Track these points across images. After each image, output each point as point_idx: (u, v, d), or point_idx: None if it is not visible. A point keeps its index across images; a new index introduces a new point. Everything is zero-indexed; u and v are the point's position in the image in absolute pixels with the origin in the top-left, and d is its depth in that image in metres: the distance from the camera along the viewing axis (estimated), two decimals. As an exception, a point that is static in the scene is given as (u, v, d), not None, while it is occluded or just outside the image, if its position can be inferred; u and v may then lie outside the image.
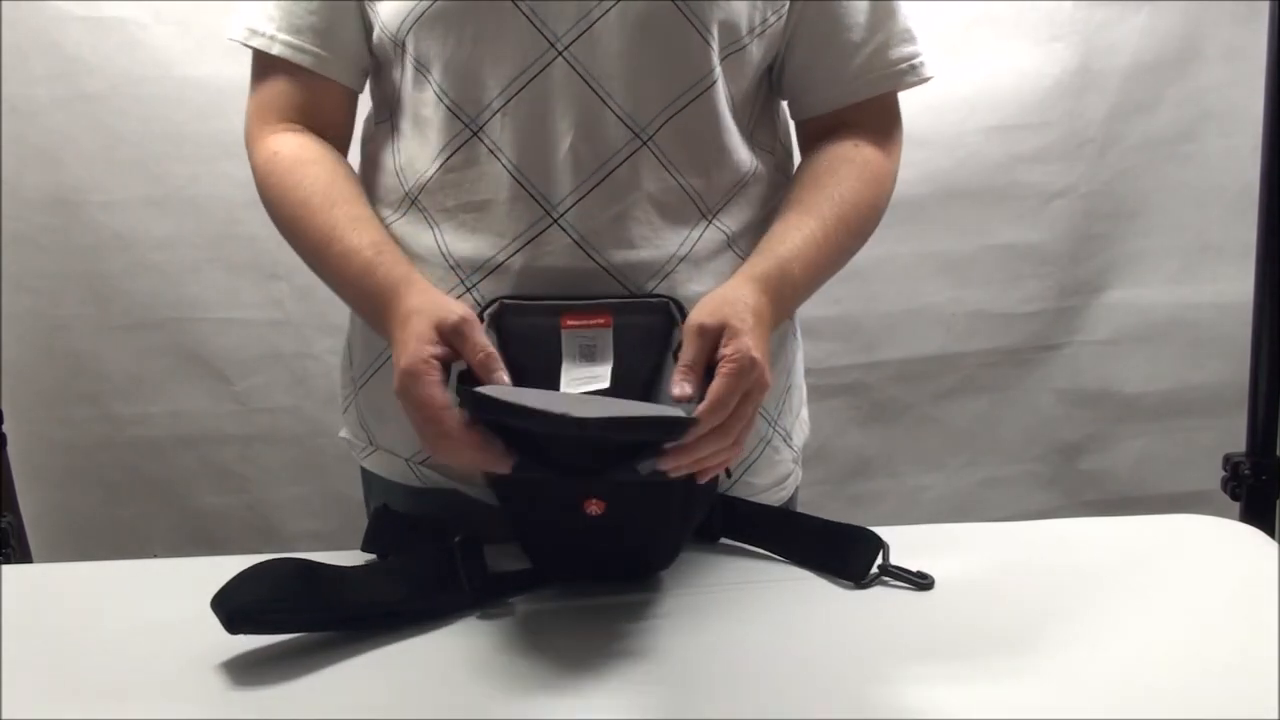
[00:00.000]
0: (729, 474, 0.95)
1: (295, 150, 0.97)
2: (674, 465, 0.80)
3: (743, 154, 0.98)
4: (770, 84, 1.02)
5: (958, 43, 1.73)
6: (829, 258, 0.95)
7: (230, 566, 0.84)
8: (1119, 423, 1.90)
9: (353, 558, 0.96)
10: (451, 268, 0.94)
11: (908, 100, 1.03)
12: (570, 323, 0.89)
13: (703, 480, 0.84)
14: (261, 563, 0.85)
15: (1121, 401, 1.89)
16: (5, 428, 1.56)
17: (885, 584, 0.93)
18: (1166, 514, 1.08)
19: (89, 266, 1.70)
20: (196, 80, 1.64)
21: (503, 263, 0.93)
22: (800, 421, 1.09)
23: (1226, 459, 1.40)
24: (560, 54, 0.90)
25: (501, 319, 0.91)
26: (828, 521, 0.98)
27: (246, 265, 1.72)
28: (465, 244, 0.94)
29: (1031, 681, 0.79)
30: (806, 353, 1.12)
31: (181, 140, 1.67)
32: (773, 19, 0.95)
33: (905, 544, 0.94)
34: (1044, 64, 1.76)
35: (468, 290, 0.93)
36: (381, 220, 0.97)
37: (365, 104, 1.05)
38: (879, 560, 0.93)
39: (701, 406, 0.80)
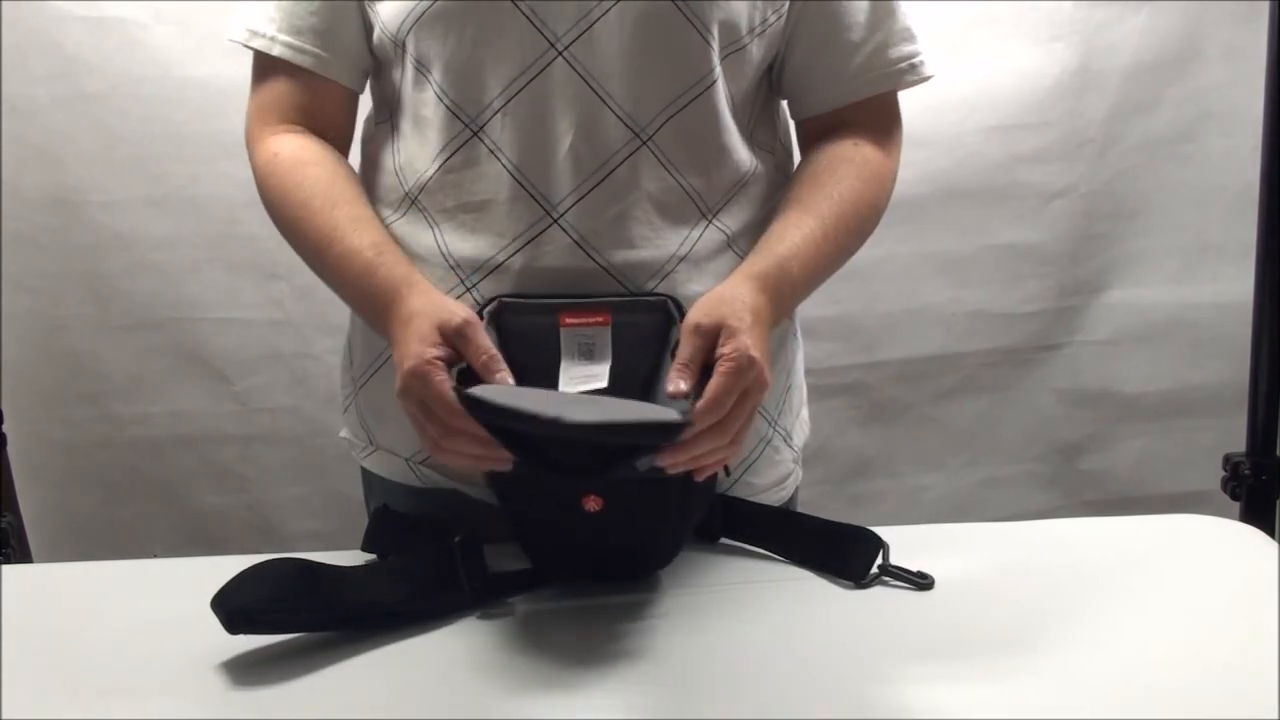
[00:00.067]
0: (727, 471, 0.95)
1: (296, 151, 0.97)
2: (671, 462, 0.80)
3: (743, 154, 0.98)
4: (770, 84, 1.02)
5: (957, 43, 1.73)
6: (828, 257, 0.95)
7: (230, 566, 0.84)
8: (1119, 423, 1.90)
9: (353, 558, 0.96)
10: (451, 268, 0.94)
11: (908, 100, 1.03)
12: (569, 321, 0.89)
13: (700, 478, 0.84)
14: (261, 563, 0.85)
15: (1121, 401, 1.89)
16: (5, 428, 1.56)
17: (885, 584, 0.93)
18: (1166, 514, 1.08)
19: (89, 266, 1.70)
20: (196, 80, 1.64)
21: (503, 263, 0.93)
22: (800, 421, 1.09)
23: (1226, 459, 1.40)
24: (560, 54, 0.90)
25: (501, 317, 0.91)
26: (828, 521, 0.98)
27: (246, 265, 1.72)
28: (465, 244, 0.94)
29: (1031, 681, 0.79)
30: (806, 353, 1.12)
31: (181, 140, 1.67)
32: (773, 19, 0.95)
33: (905, 544, 0.94)
34: (1044, 64, 1.76)
35: (468, 290, 0.93)
36: (382, 220, 0.97)
37: (365, 104, 1.05)
38: (879, 560, 0.93)
39: (698, 404, 0.80)
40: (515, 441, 0.80)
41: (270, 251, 1.66)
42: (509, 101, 0.91)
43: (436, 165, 0.95)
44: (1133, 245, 1.83)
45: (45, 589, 0.99)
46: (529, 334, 0.90)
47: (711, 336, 0.83)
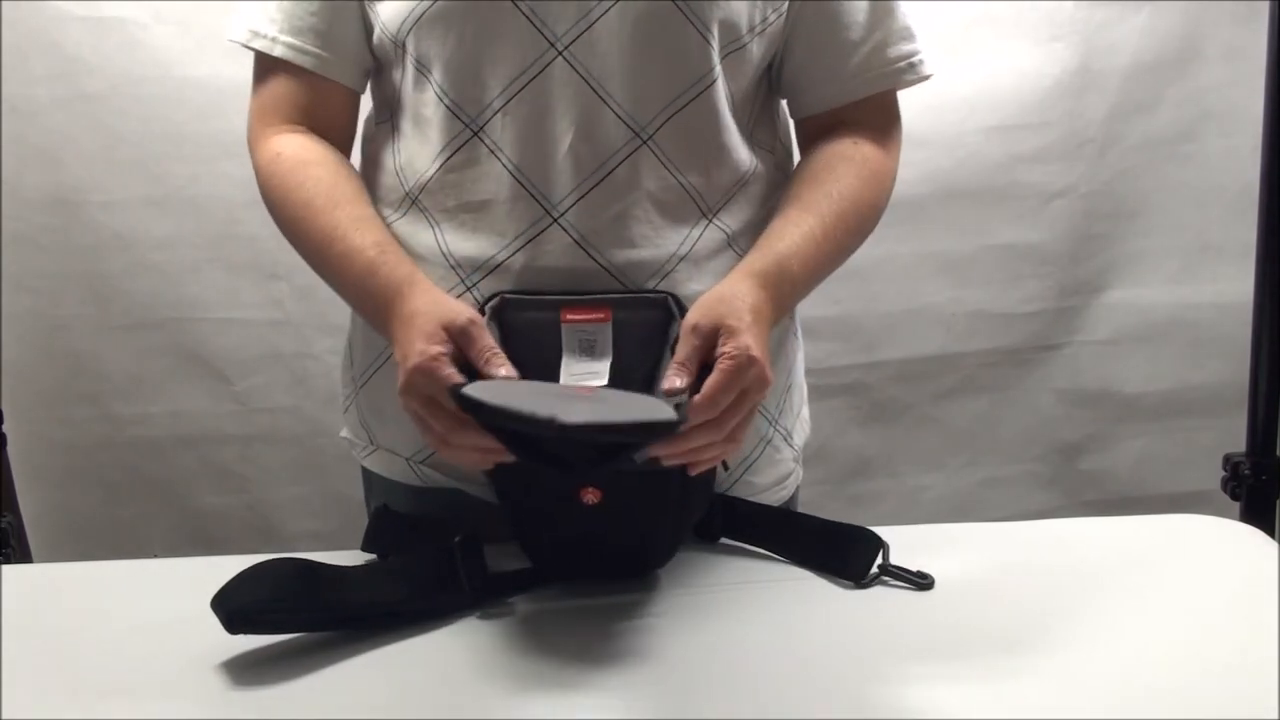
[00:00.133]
0: (726, 467, 0.95)
1: (297, 151, 0.97)
2: (666, 453, 0.81)
3: (743, 153, 0.98)
4: (770, 83, 1.02)
5: (957, 42, 1.73)
6: (828, 255, 0.95)
7: (230, 566, 0.84)
8: (1119, 423, 1.90)
9: (353, 558, 0.96)
10: (452, 267, 0.94)
11: (907, 100, 1.03)
12: (570, 317, 0.89)
13: (694, 471, 0.84)
14: (261, 563, 0.85)
15: (1121, 401, 1.89)
16: (5, 428, 1.56)
17: (885, 584, 0.93)
18: (1166, 514, 1.08)
19: (89, 266, 1.70)
20: (196, 80, 1.64)
21: (503, 262, 0.93)
22: (801, 421, 1.09)
23: (1226, 459, 1.40)
24: (560, 54, 0.90)
25: (502, 313, 0.91)
26: (828, 521, 0.98)
27: (246, 265, 1.72)
28: (466, 243, 0.94)
29: (1031, 681, 0.79)
30: (806, 353, 1.11)
31: (181, 140, 1.67)
32: (773, 18, 0.95)
33: (905, 544, 0.94)
34: (1044, 64, 1.76)
35: (468, 290, 0.93)
36: (383, 220, 0.97)
37: (366, 104, 1.05)
38: (879, 560, 0.93)
39: (694, 399, 0.80)
40: (513, 437, 0.80)
41: (270, 251, 1.67)
42: (509, 101, 0.91)
43: (437, 165, 0.95)
44: (1133, 245, 1.83)
45: (45, 589, 0.99)
46: (530, 330, 0.90)
47: (709, 336, 0.84)
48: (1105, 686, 0.78)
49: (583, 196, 0.91)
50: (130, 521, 1.80)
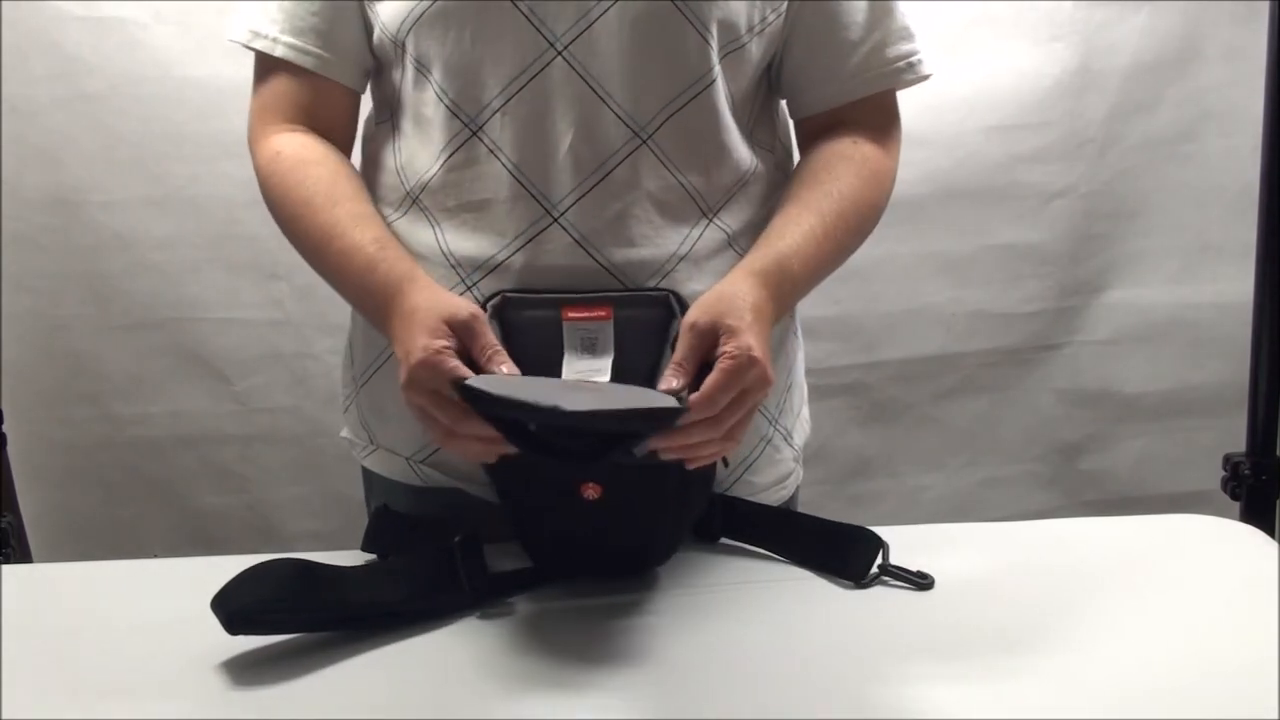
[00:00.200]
0: (725, 463, 0.95)
1: (297, 150, 0.97)
2: (664, 446, 0.81)
3: (742, 152, 0.98)
4: (770, 83, 1.02)
5: (957, 42, 1.73)
6: (829, 254, 0.95)
7: (230, 567, 0.84)
8: (1119, 423, 1.90)
9: (353, 558, 0.96)
10: (452, 266, 0.94)
11: (907, 100, 1.03)
12: (571, 315, 0.89)
13: (691, 466, 0.84)
14: (261, 563, 0.85)
15: (1121, 401, 1.89)
16: (5, 428, 1.56)
17: (885, 584, 0.93)
18: (1166, 514, 1.08)
19: (89, 266, 1.70)
20: (196, 80, 1.64)
21: (503, 261, 0.93)
22: (801, 420, 1.09)
23: (1226, 459, 1.40)
24: (559, 54, 0.90)
25: (504, 312, 0.91)
26: (827, 521, 0.98)
27: (246, 265, 1.72)
28: (466, 243, 0.94)
29: (1031, 681, 0.79)
30: (806, 353, 1.12)
31: (181, 140, 1.67)
32: (772, 18, 0.95)
33: (905, 544, 0.94)
34: (1044, 64, 1.76)
35: (469, 289, 0.93)
36: (383, 218, 0.97)
37: (366, 104, 1.05)
38: (879, 560, 0.93)
39: (693, 396, 0.80)
40: (515, 430, 0.81)
41: (270, 251, 1.67)
42: (508, 101, 0.91)
43: (437, 165, 0.95)
44: (1133, 245, 1.83)
45: (45, 589, 0.99)
46: (532, 328, 0.90)
47: (708, 334, 0.84)
48: (1105, 686, 0.78)
49: (583, 196, 0.91)
50: (130, 521, 1.80)
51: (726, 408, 0.82)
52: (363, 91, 1.03)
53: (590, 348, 0.89)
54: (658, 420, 0.78)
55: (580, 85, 0.90)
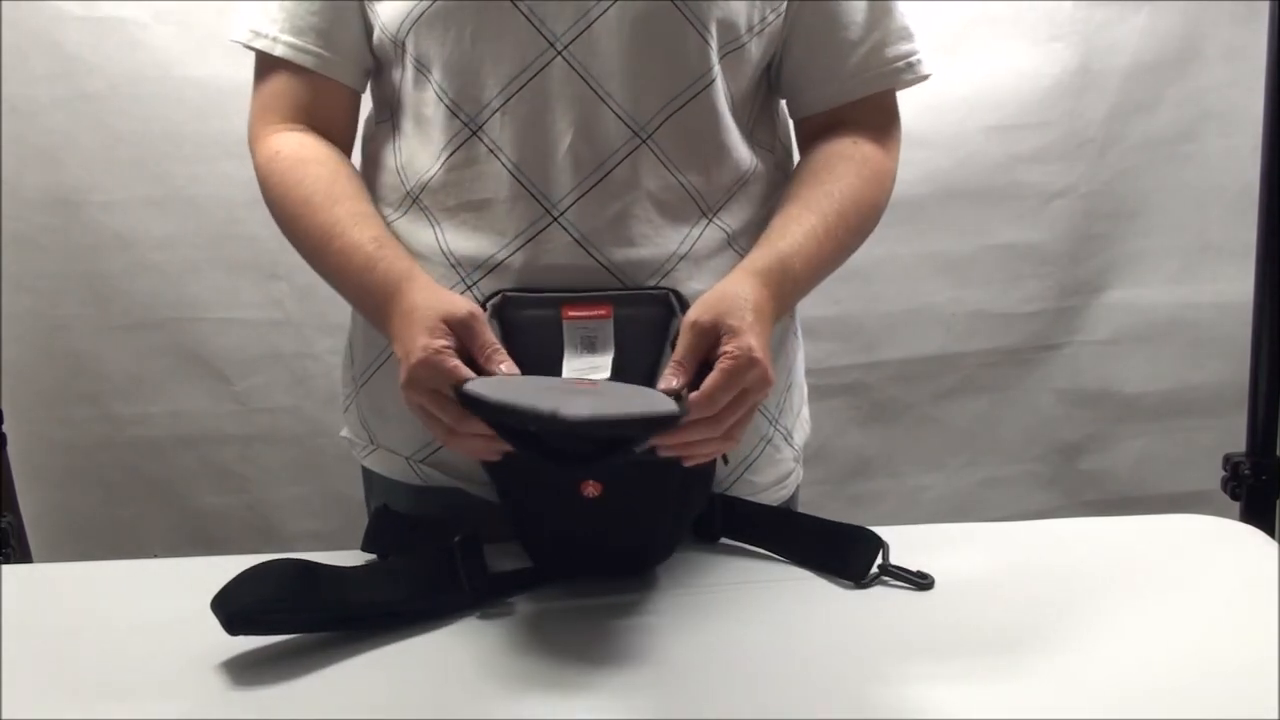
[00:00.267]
0: (725, 460, 0.95)
1: (297, 149, 0.97)
2: (663, 444, 0.81)
3: (742, 152, 0.98)
4: (769, 82, 1.02)
5: (956, 42, 1.73)
6: (830, 253, 0.95)
7: (230, 567, 0.84)
8: (1119, 423, 1.90)
9: (353, 558, 0.96)
10: (452, 266, 0.94)
11: (907, 100, 1.03)
12: (571, 314, 0.89)
13: (689, 463, 0.85)
14: (262, 563, 0.85)
15: (1121, 401, 1.89)
16: (5, 428, 1.56)
17: (885, 584, 0.93)
18: (1166, 514, 1.08)
19: (89, 266, 1.70)
20: (196, 80, 1.64)
21: (503, 261, 0.93)
22: (801, 420, 1.09)
23: (1226, 459, 1.40)
24: (559, 53, 0.90)
25: (503, 311, 0.91)
26: (827, 521, 0.98)
27: (246, 265, 1.72)
28: (466, 243, 0.94)
29: (1031, 681, 0.79)
30: (806, 353, 1.12)
31: (181, 140, 1.67)
32: (771, 17, 0.95)
33: (905, 544, 0.94)
34: (1044, 64, 1.76)
35: (469, 289, 0.94)
36: (383, 218, 0.97)
37: (366, 104, 1.05)
38: (879, 560, 0.93)
39: (694, 395, 0.80)
40: (514, 433, 0.81)
41: (270, 251, 1.67)
42: (508, 101, 0.91)
43: (437, 164, 0.95)
44: (1133, 245, 1.83)
45: (45, 589, 0.99)
46: (532, 327, 0.90)
47: (708, 333, 0.84)
48: (1105, 686, 0.78)
49: (582, 196, 0.91)
50: (130, 521, 1.80)
51: (726, 407, 0.82)
52: (363, 91, 1.03)
53: (590, 346, 0.89)
54: (657, 426, 0.78)
55: (580, 85, 0.90)
